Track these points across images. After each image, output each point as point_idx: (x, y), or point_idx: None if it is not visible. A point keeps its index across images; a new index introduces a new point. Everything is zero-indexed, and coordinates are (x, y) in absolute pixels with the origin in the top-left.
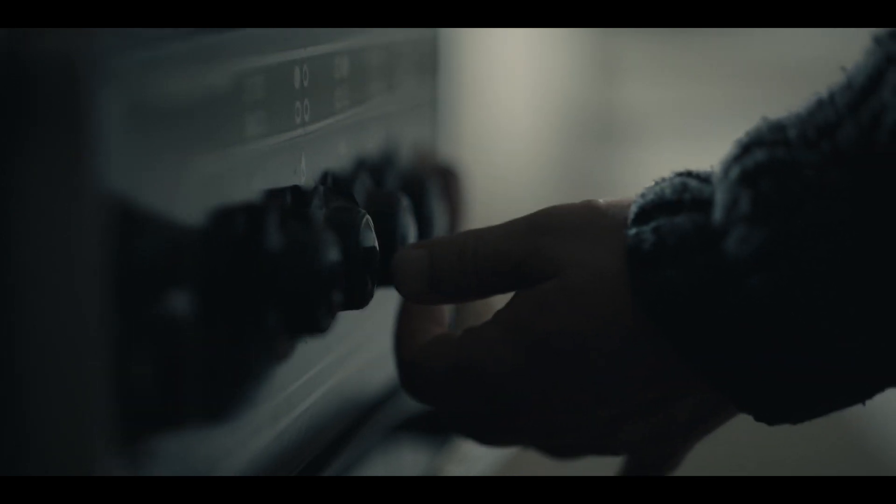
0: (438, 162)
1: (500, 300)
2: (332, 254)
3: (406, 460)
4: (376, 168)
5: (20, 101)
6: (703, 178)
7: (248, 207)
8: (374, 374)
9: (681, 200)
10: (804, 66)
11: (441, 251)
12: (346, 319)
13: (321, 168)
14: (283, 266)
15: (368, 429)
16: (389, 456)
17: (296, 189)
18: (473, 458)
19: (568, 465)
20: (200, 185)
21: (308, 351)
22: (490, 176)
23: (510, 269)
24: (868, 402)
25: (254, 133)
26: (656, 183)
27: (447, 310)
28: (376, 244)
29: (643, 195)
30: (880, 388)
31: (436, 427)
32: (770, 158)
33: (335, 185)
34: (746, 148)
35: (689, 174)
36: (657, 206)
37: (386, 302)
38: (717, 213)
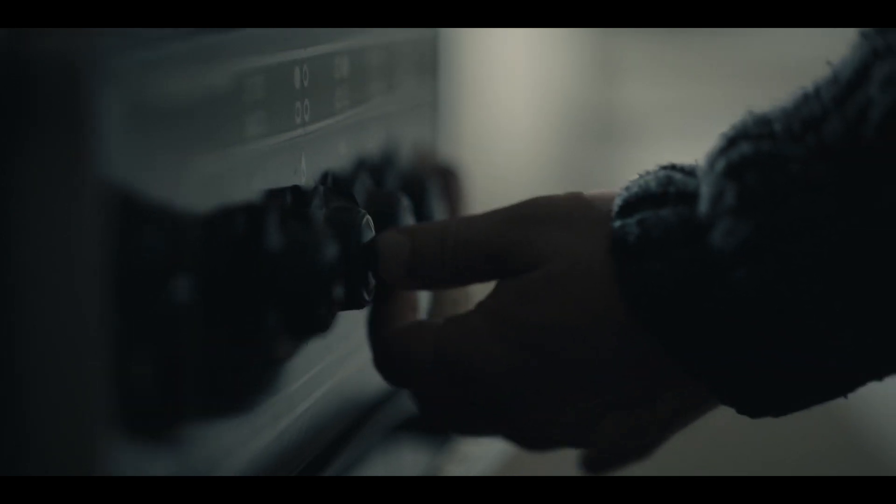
0: (438, 162)
1: (479, 290)
2: (333, 254)
3: (406, 460)
4: (376, 168)
5: (20, 101)
6: (688, 172)
7: (248, 207)
8: (375, 374)
9: (665, 193)
10: (804, 66)
11: (423, 237)
12: (346, 319)
13: (321, 168)
14: (283, 266)
15: (368, 429)
16: (389, 456)
17: (296, 189)
18: (473, 458)
19: (568, 465)
20: (201, 185)
21: (308, 351)
22: (490, 176)
23: (491, 259)
24: (868, 402)
25: (254, 133)
26: (641, 176)
27: (422, 296)
28: None
29: (628, 188)
30: (863, 382)
31: (436, 427)
32: (755, 151)
33: (335, 185)
34: (732, 141)
35: (673, 167)
36: (642, 199)
37: None
38: (703, 206)
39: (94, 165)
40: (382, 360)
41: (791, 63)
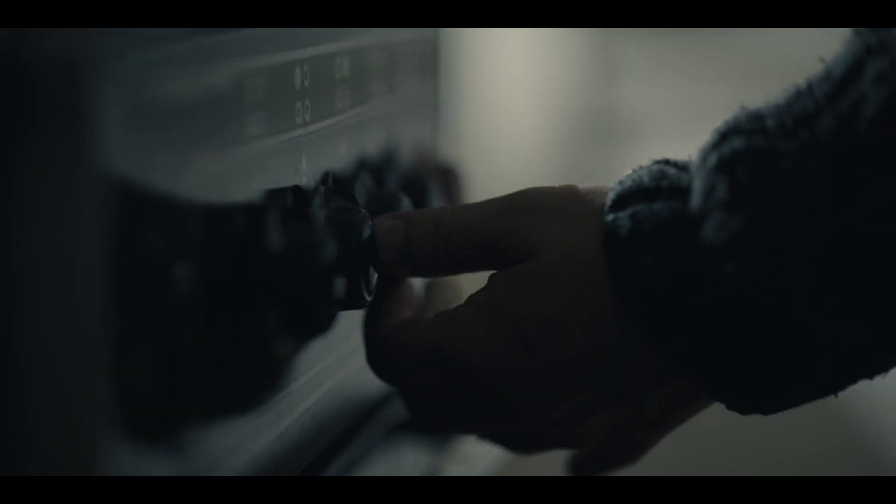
0: (439, 162)
1: (470, 284)
2: (333, 254)
3: (406, 460)
4: (377, 168)
5: (20, 101)
6: (681, 167)
7: (248, 207)
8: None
9: (658, 187)
10: (803, 66)
11: (416, 224)
12: (346, 319)
13: (322, 168)
14: (283, 266)
15: (369, 429)
16: (389, 456)
17: (296, 189)
18: (473, 458)
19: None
20: (201, 185)
21: (308, 351)
22: (490, 176)
23: (483, 248)
24: (868, 402)
25: (254, 133)
26: (634, 171)
27: (417, 294)
28: None
29: (621, 182)
30: (855, 379)
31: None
32: (747, 146)
33: (336, 185)
34: (724, 136)
35: (667, 162)
36: (635, 193)
37: None
38: (695, 201)
39: (94, 165)
40: (375, 355)
41: (791, 63)
